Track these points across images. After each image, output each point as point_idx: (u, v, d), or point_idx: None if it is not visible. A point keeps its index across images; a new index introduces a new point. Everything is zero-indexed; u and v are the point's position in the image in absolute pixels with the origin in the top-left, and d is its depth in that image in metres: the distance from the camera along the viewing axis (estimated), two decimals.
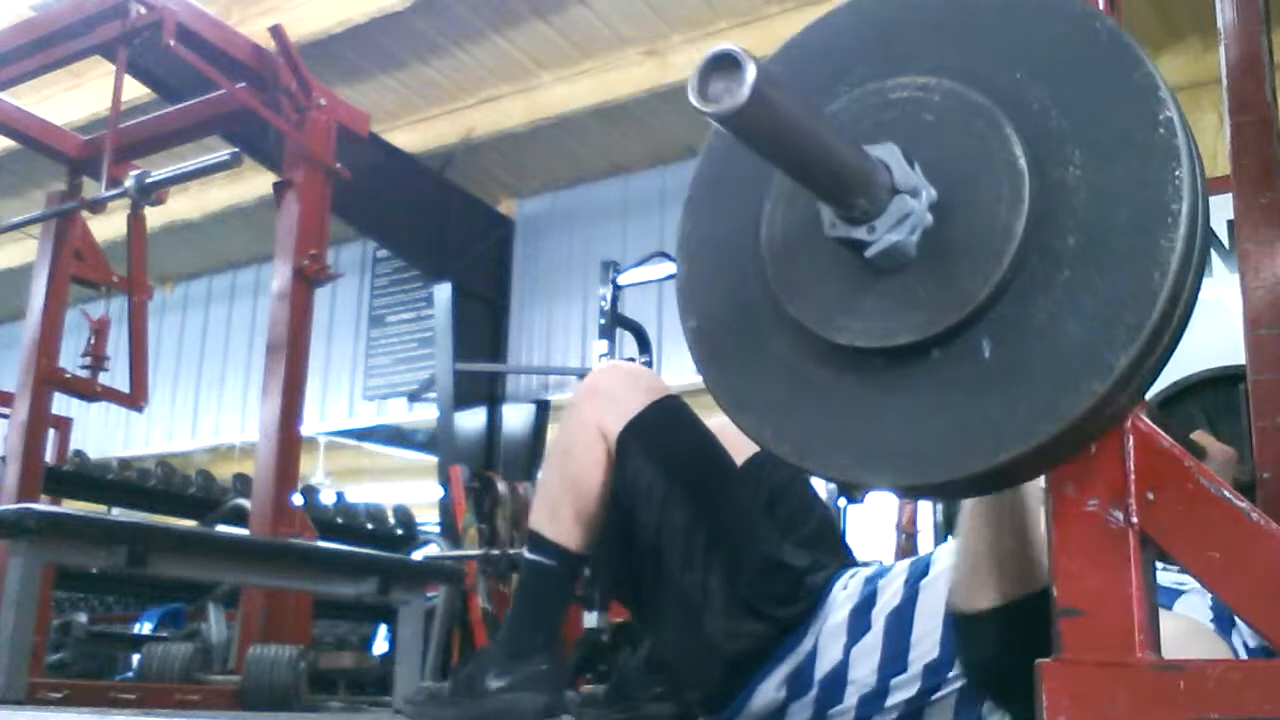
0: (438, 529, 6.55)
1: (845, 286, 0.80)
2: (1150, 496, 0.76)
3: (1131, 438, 0.77)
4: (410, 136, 7.15)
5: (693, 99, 0.65)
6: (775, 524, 1.76)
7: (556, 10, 6.10)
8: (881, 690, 1.44)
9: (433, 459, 7.75)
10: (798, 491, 1.86)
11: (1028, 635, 0.99)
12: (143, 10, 3.48)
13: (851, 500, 4.45)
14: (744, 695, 1.53)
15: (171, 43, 3.44)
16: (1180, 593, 1.35)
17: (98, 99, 5.77)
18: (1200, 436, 1.81)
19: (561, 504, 1.65)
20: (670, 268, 4.93)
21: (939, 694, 1.40)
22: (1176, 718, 0.71)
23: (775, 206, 0.86)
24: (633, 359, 4.77)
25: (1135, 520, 0.76)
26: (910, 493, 0.89)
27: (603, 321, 4.78)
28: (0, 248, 8.42)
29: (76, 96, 6.34)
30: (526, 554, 1.68)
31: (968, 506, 1.09)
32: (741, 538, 1.59)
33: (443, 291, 7.24)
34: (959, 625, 1.08)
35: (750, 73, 0.63)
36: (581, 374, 4.74)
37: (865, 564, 1.74)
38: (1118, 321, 0.72)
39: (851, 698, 1.46)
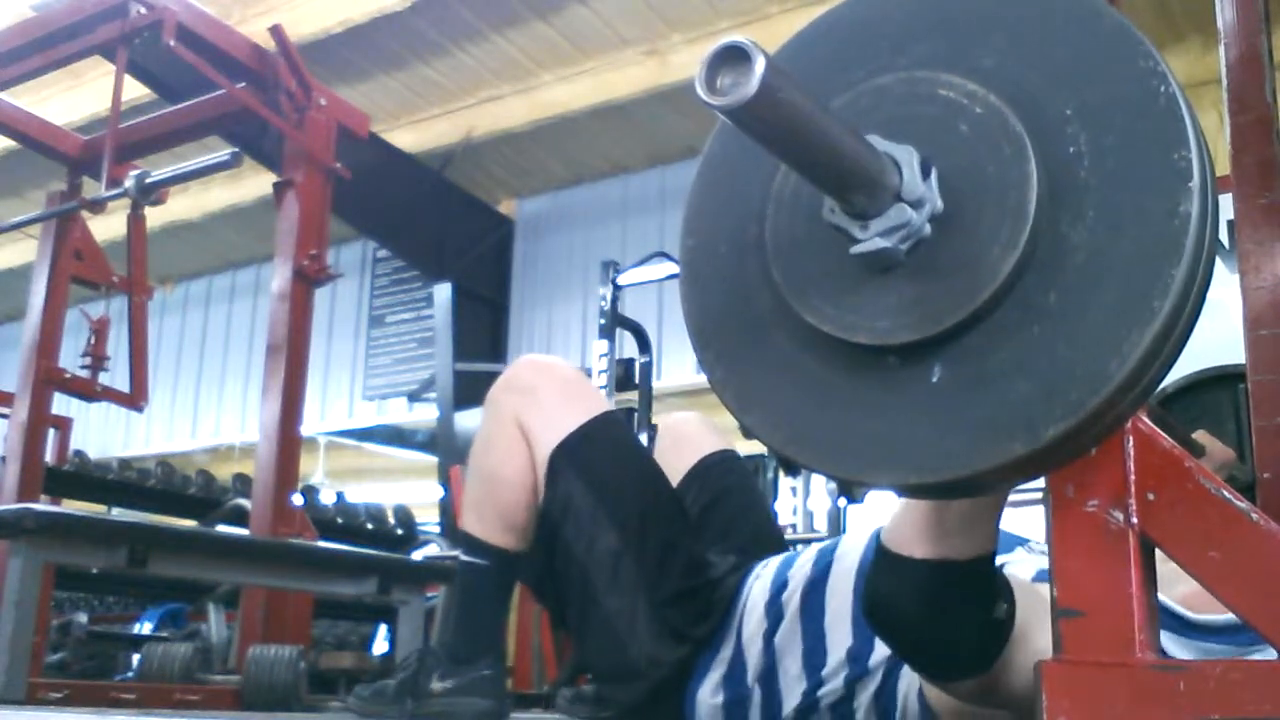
0: (438, 529, 6.55)
1: (846, 281, 0.79)
2: (1150, 497, 0.76)
3: (1132, 439, 0.77)
4: (410, 136, 7.15)
5: (700, 91, 0.64)
6: (713, 526, 1.77)
7: (556, 10, 6.10)
8: (815, 683, 1.44)
9: (433, 459, 7.75)
10: (741, 494, 1.87)
11: (944, 593, 1.02)
12: (143, 10, 3.49)
13: (851, 500, 4.45)
14: (685, 709, 1.53)
15: (171, 43, 3.44)
16: (1020, 543, 1.37)
17: (98, 99, 5.77)
18: (1202, 436, 1.81)
19: (486, 503, 1.66)
20: (670, 267, 4.93)
21: (864, 683, 1.40)
22: (1176, 718, 0.71)
23: (781, 197, 0.85)
24: (633, 359, 4.77)
25: (1135, 521, 0.76)
26: (910, 491, 0.88)
27: (603, 321, 4.77)
28: (0, 248, 8.42)
29: (76, 96, 6.34)
30: (461, 556, 1.68)
31: None
32: (667, 563, 1.59)
33: (443, 291, 7.24)
34: (881, 555, 1.07)
35: (759, 66, 0.62)
36: (584, 374, 4.74)
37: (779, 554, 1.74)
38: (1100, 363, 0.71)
39: (792, 695, 1.46)
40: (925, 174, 0.76)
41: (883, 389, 0.78)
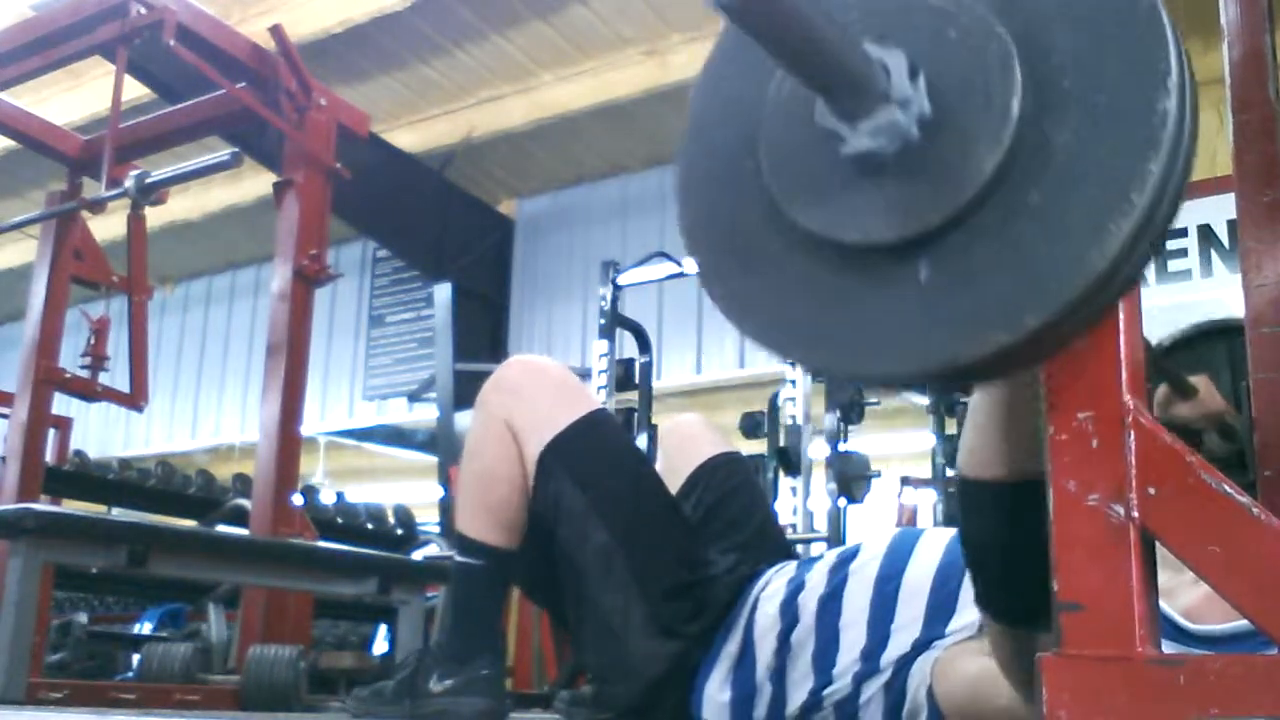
0: (438, 529, 6.55)
1: (837, 183, 0.82)
2: (1151, 491, 0.76)
3: (1133, 433, 0.77)
4: (410, 136, 7.16)
5: None
6: (716, 527, 1.77)
7: (556, 10, 6.10)
8: (823, 682, 1.44)
9: (433, 459, 7.75)
10: (744, 496, 1.88)
11: (1026, 514, 0.99)
12: (143, 10, 3.48)
13: (852, 500, 4.45)
14: (692, 705, 1.53)
15: (171, 43, 3.44)
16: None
17: (98, 99, 5.78)
18: (1199, 381, 1.80)
19: (478, 503, 1.66)
20: (671, 267, 4.93)
21: (872, 681, 1.40)
22: (1177, 713, 0.71)
23: (777, 103, 0.87)
24: (633, 359, 4.77)
25: (1136, 515, 0.76)
26: (899, 382, 0.89)
27: (603, 321, 4.78)
28: (0, 248, 8.42)
29: (76, 96, 6.34)
30: (456, 557, 1.69)
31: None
32: (659, 559, 1.59)
33: (443, 291, 7.23)
34: (962, 485, 1.08)
35: None
36: (584, 374, 4.74)
37: (796, 558, 1.75)
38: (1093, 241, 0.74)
39: (799, 692, 1.46)
40: (913, 77, 0.79)
41: (871, 286, 0.81)
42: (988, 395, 1.07)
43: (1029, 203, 0.76)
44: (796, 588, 1.54)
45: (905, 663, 1.38)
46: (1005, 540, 1.06)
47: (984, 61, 0.78)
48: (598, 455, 1.65)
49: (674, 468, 1.89)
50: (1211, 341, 1.96)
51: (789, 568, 1.61)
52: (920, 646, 1.38)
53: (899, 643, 1.40)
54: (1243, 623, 1.20)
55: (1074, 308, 0.74)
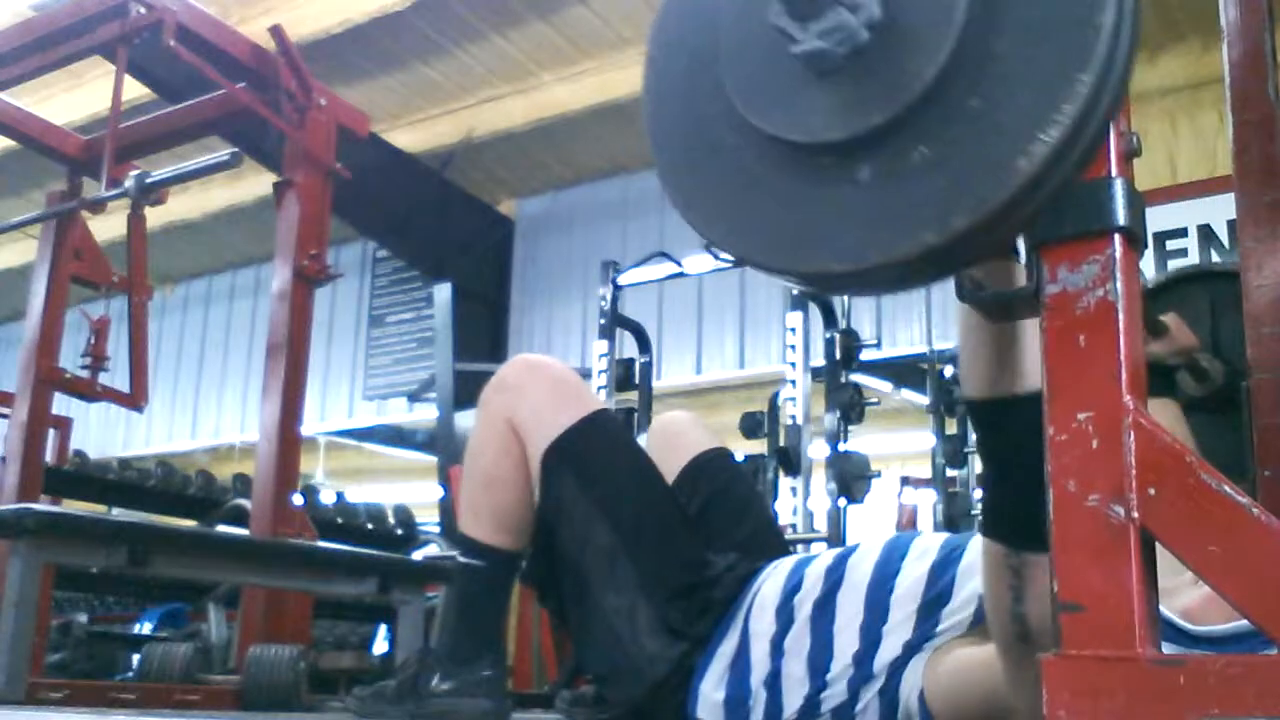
0: (438, 529, 6.55)
1: (790, 83, 0.84)
2: (1151, 492, 0.76)
3: (1133, 433, 0.77)
4: (410, 136, 7.16)
5: None
6: (711, 525, 1.77)
7: (556, 10, 6.10)
8: (818, 687, 1.44)
9: (433, 459, 7.76)
10: (738, 491, 1.87)
11: (1036, 425, 1.04)
12: (143, 10, 3.48)
13: (852, 500, 4.45)
14: (688, 705, 1.54)
15: (171, 43, 3.44)
16: None
17: (98, 99, 5.78)
18: (1169, 319, 1.81)
19: (481, 504, 1.66)
20: (671, 267, 4.93)
21: (868, 688, 1.40)
22: (1177, 713, 0.71)
23: (736, 4, 0.90)
24: (633, 359, 4.77)
25: (1136, 515, 0.76)
26: (835, 280, 0.91)
27: (603, 321, 4.78)
28: (0, 248, 8.42)
29: (76, 96, 6.34)
30: (459, 558, 1.68)
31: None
32: (664, 560, 1.59)
33: (443, 291, 7.24)
34: (986, 409, 1.10)
35: None
36: (584, 374, 4.74)
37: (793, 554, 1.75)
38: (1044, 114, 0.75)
39: (794, 697, 1.46)
40: None
41: (815, 185, 0.83)
42: (972, 316, 1.09)
43: (967, 108, 0.78)
44: (792, 589, 1.53)
45: (898, 667, 1.38)
46: (1010, 446, 1.08)
47: None
48: (601, 455, 1.65)
49: (663, 466, 1.89)
50: (1191, 285, 1.98)
51: (785, 566, 1.60)
52: (911, 648, 1.38)
53: (890, 645, 1.40)
54: (1241, 623, 1.20)
55: (1001, 212, 0.76)
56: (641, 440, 4.18)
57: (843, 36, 0.80)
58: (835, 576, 1.51)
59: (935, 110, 0.78)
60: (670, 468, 1.87)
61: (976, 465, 4.50)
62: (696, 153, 0.91)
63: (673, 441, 1.94)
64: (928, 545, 1.48)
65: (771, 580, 1.57)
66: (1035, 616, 1.11)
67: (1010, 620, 1.14)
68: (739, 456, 2.03)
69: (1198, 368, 1.81)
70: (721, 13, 0.91)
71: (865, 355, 4.64)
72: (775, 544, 1.86)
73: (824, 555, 1.59)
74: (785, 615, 1.51)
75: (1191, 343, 1.79)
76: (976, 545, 1.42)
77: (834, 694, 1.42)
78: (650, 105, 0.96)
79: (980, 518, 1.18)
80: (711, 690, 1.51)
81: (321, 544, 3.54)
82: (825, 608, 1.48)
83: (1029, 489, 1.09)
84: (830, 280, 0.89)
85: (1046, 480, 0.80)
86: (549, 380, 1.68)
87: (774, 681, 1.47)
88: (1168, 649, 1.12)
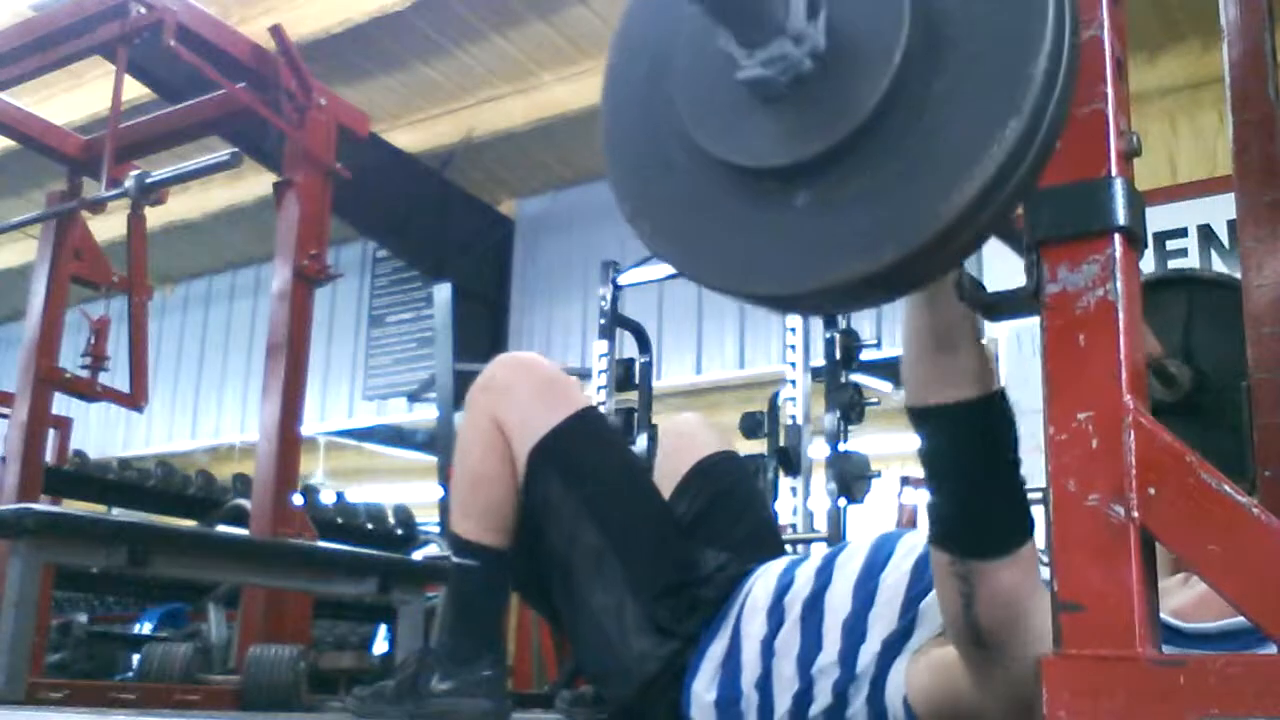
0: (438, 529, 6.55)
1: (739, 107, 0.85)
2: (1151, 491, 0.76)
3: (1133, 433, 0.77)
4: (410, 136, 7.15)
5: None
6: (711, 526, 1.77)
7: (556, 10, 6.10)
8: (805, 684, 1.44)
9: (433, 459, 7.75)
10: (740, 493, 1.88)
11: (984, 433, 1.09)
12: (143, 10, 3.48)
13: (852, 500, 4.44)
14: (682, 704, 1.54)
15: (171, 43, 3.44)
16: None
17: (98, 99, 5.77)
18: None
19: (470, 503, 1.66)
20: (670, 268, 4.92)
21: (855, 692, 1.40)
22: (1177, 713, 0.71)
23: (694, 25, 0.90)
24: (633, 359, 4.77)
25: (1136, 515, 0.76)
26: (774, 303, 0.92)
27: (603, 321, 4.77)
28: (0, 248, 8.42)
29: (76, 96, 6.34)
30: (453, 558, 1.68)
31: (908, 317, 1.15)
32: (652, 558, 1.59)
33: (443, 291, 7.23)
34: (922, 416, 1.13)
35: None
36: (584, 374, 4.74)
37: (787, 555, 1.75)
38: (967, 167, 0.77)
39: (784, 697, 1.46)
40: (812, 13, 0.82)
41: (758, 208, 0.85)
42: (912, 324, 1.12)
43: (902, 143, 0.79)
44: (783, 590, 1.53)
45: (883, 668, 1.38)
46: (949, 454, 1.11)
47: (877, 5, 0.81)
48: (587, 454, 1.65)
49: (671, 468, 1.89)
50: (1169, 290, 1.97)
51: (776, 567, 1.60)
52: (892, 644, 1.38)
53: (873, 641, 1.40)
54: (1234, 619, 1.20)
55: (929, 247, 0.77)
56: (641, 440, 4.19)
57: (785, 66, 0.81)
58: (824, 577, 1.51)
59: (872, 143, 0.80)
60: (678, 469, 1.88)
61: None
62: (649, 167, 0.92)
63: (681, 444, 1.94)
64: (915, 542, 1.48)
65: (763, 581, 1.57)
66: (987, 621, 1.13)
67: (964, 626, 1.15)
68: (741, 456, 2.03)
69: (1165, 373, 1.81)
70: (679, 27, 0.92)
71: (865, 355, 4.63)
72: (772, 545, 1.86)
73: (815, 556, 1.60)
74: (776, 616, 1.51)
75: (1155, 351, 1.79)
76: None
77: (821, 696, 1.42)
78: (607, 113, 0.97)
79: (927, 527, 1.20)
80: (703, 691, 1.51)
81: (321, 544, 3.54)
82: (814, 607, 1.48)
83: (971, 496, 1.11)
84: (776, 302, 0.90)
85: (1046, 480, 0.80)
86: (535, 379, 1.68)
87: (764, 683, 1.47)
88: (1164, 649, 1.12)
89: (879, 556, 1.48)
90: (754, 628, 1.52)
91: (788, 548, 1.95)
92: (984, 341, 1.14)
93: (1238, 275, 1.67)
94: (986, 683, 1.19)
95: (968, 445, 1.10)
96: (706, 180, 0.88)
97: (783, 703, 1.45)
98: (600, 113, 0.97)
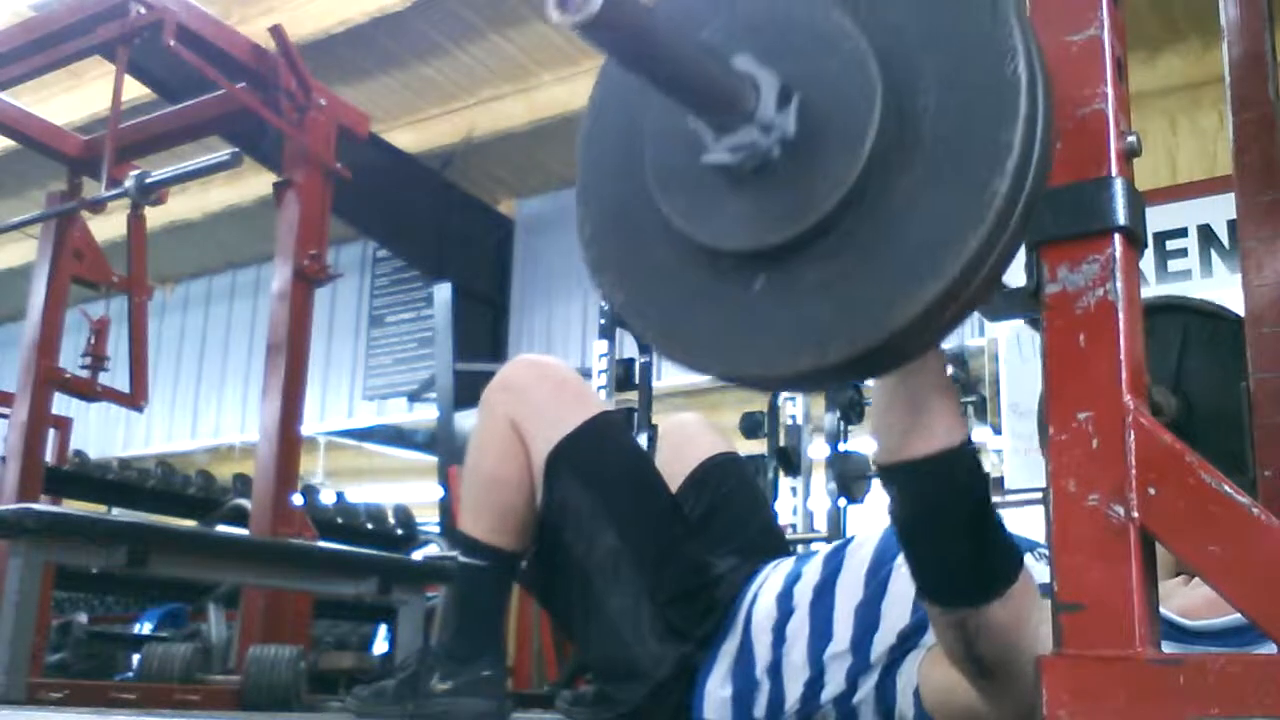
0: (438, 529, 6.55)
1: (708, 184, 0.84)
2: (1151, 491, 0.76)
3: (1133, 433, 0.77)
4: (410, 136, 7.15)
5: (552, 14, 0.68)
6: (715, 529, 1.77)
7: None
8: (817, 671, 1.44)
9: (433, 459, 7.75)
10: (743, 497, 1.88)
11: (955, 485, 1.08)
12: (143, 10, 3.48)
13: (852, 500, 4.45)
14: (694, 704, 1.54)
15: (171, 43, 3.44)
16: (1029, 548, 1.39)
17: (98, 99, 5.77)
18: None
19: (482, 504, 1.66)
20: None
21: (866, 679, 1.40)
22: (1177, 712, 0.71)
23: (661, 105, 0.89)
24: (633, 359, 4.77)
25: (1136, 515, 0.76)
26: (729, 380, 0.92)
27: (603, 321, 4.77)
28: (0, 248, 8.42)
29: (76, 96, 6.34)
30: (459, 557, 1.68)
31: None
32: (667, 563, 1.59)
33: (443, 291, 7.24)
34: (890, 475, 1.12)
35: None
36: (584, 374, 4.74)
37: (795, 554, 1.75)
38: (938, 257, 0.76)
39: (795, 685, 1.46)
40: (784, 101, 0.81)
41: (714, 282, 0.85)
42: (882, 386, 1.11)
43: (860, 243, 0.78)
44: (793, 580, 1.54)
45: (895, 659, 1.38)
46: (922, 509, 1.11)
47: (851, 97, 0.79)
48: (605, 459, 1.64)
49: (672, 469, 1.89)
50: (1164, 315, 1.96)
51: (787, 564, 1.61)
52: (906, 636, 1.38)
53: (886, 631, 1.40)
54: (1235, 616, 1.20)
55: (877, 350, 0.77)
56: (641, 440, 4.18)
57: (751, 154, 0.80)
58: (835, 563, 1.52)
59: (831, 237, 0.79)
60: (679, 471, 1.88)
61: None
62: (621, 218, 0.91)
63: (682, 445, 1.94)
64: None
65: (773, 577, 1.58)
66: (991, 656, 1.13)
67: (969, 664, 1.16)
68: (742, 457, 2.04)
69: (1151, 401, 1.81)
70: (651, 103, 0.90)
71: None
72: (777, 547, 1.86)
73: (824, 548, 1.60)
74: (786, 604, 1.52)
75: None
76: None
77: (832, 682, 1.43)
78: (585, 150, 0.95)
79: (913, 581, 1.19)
80: (718, 688, 1.52)
81: (321, 544, 3.54)
82: (824, 594, 1.49)
83: (951, 550, 1.11)
84: (715, 377, 0.89)
85: (1046, 480, 0.80)
86: (552, 382, 1.67)
87: (776, 670, 1.48)
88: (1164, 646, 1.13)
89: (891, 544, 1.49)
90: (765, 619, 1.53)
91: (799, 551, 1.95)
92: (955, 390, 1.14)
93: (1234, 308, 1.66)
94: (998, 700, 1.20)
95: (942, 498, 1.09)
96: (668, 245, 0.87)
97: (794, 689, 1.46)
98: (578, 150, 0.95)
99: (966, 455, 1.10)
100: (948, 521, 1.10)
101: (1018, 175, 0.74)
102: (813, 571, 1.53)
